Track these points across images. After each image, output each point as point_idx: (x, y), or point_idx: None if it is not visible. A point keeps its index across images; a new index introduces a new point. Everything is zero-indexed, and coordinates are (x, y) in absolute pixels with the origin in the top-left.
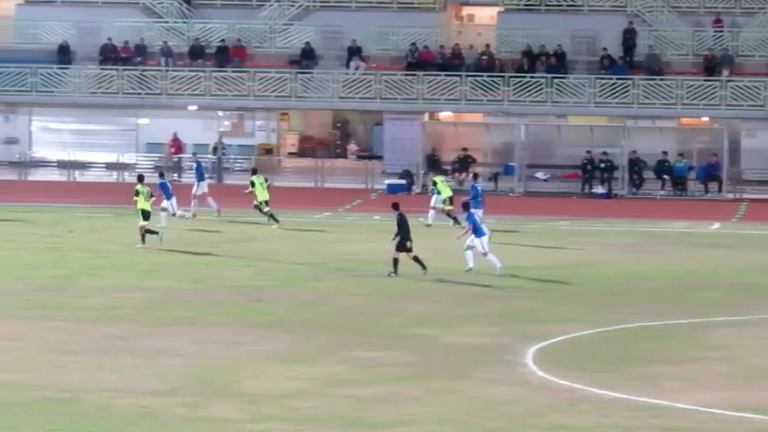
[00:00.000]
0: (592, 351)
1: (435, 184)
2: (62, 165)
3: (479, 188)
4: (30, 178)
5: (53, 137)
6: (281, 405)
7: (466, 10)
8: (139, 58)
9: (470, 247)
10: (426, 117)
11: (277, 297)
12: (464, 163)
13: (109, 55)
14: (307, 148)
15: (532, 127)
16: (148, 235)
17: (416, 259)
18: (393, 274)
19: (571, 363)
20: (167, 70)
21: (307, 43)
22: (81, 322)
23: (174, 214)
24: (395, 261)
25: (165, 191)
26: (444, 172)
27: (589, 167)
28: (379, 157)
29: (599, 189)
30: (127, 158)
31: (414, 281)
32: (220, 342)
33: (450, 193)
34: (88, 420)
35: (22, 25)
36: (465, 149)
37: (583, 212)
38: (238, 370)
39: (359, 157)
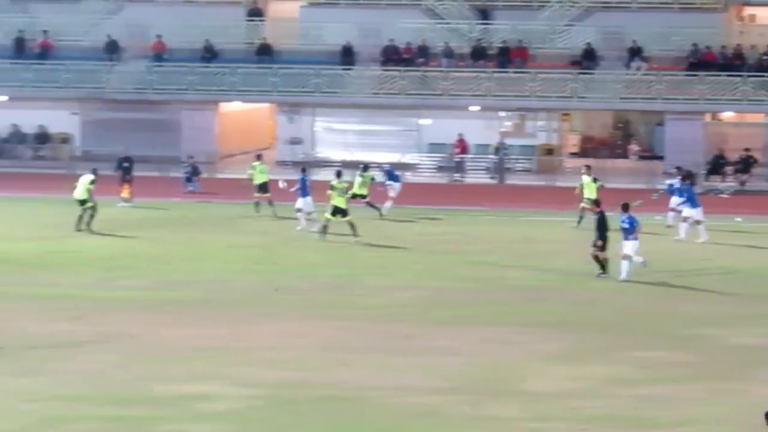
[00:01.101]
0: None
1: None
2: (345, 165)
3: (693, 188)
4: (313, 177)
5: (336, 138)
6: (562, 404)
7: (748, 10)
8: (421, 59)
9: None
10: (707, 117)
11: (559, 296)
12: (746, 163)
13: (392, 56)
14: (589, 148)
15: None
16: (319, 229)
17: (603, 259)
18: (602, 275)
19: None
20: (449, 71)
21: (588, 43)
22: (364, 320)
23: (309, 213)
24: (600, 259)
25: (302, 189)
26: (727, 172)
27: None
28: (660, 158)
29: None
30: (410, 158)
31: (693, 281)
32: (501, 341)
33: (593, 196)
34: (372, 418)
35: (306, 26)
36: (747, 149)
37: None
38: (520, 369)
39: (640, 158)
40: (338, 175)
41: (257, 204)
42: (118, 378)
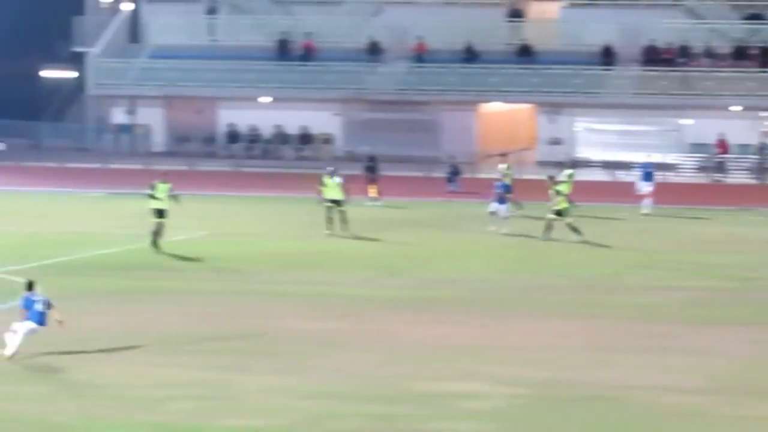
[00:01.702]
0: None
1: None
2: (607, 165)
3: None
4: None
5: (597, 138)
6: None
7: None
8: (681, 60)
9: None
10: None
11: None
12: None
13: (652, 56)
14: None
15: None
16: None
17: None
18: None
19: None
20: (710, 71)
21: None
22: (626, 319)
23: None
24: None
25: (502, 194)
26: None
27: None
28: None
29: None
30: (671, 159)
31: None
32: (765, 341)
33: None
34: (636, 418)
35: (566, 27)
36: None
37: None
38: None
39: None
40: (551, 178)
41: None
42: (382, 376)
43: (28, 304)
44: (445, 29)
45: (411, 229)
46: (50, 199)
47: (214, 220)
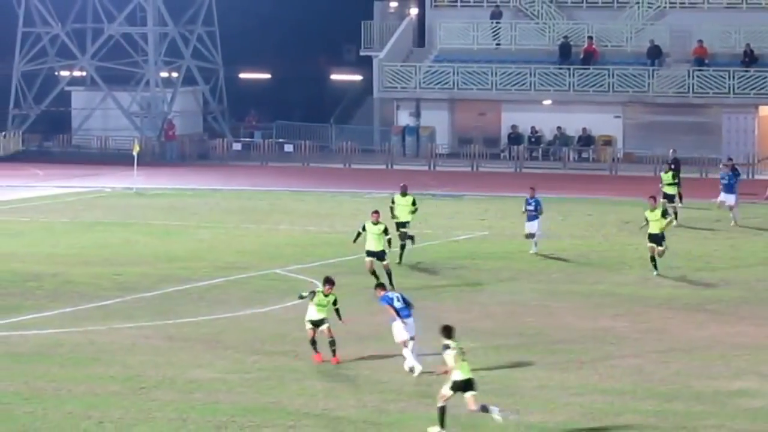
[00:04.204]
0: None
1: None
2: None
3: None
4: None
5: None
6: None
7: None
8: None
9: None
10: None
11: None
12: None
13: None
14: None
15: None
16: None
17: None
18: None
19: None
20: None
21: None
22: None
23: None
24: None
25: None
26: None
27: None
28: None
29: None
30: None
31: None
32: None
33: None
34: None
35: None
36: None
37: None
38: None
39: None
40: None
41: None
42: (658, 373)
43: (389, 302)
44: (725, 33)
45: (687, 230)
46: (335, 200)
47: (495, 220)
